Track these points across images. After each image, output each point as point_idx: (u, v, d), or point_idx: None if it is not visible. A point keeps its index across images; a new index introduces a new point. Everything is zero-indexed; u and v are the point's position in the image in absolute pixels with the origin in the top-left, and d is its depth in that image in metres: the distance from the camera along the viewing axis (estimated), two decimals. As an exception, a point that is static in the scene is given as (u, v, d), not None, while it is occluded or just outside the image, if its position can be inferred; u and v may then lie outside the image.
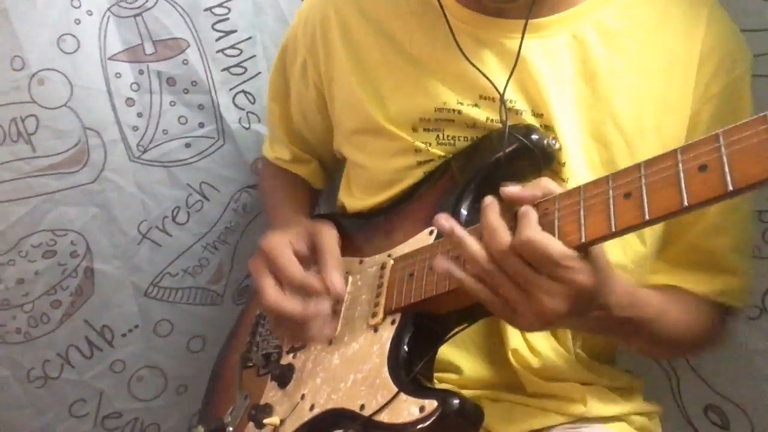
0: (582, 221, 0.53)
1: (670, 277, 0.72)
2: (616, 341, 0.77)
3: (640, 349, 0.80)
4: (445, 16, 0.72)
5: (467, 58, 0.71)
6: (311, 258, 0.74)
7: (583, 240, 0.52)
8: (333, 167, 0.98)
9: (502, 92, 0.69)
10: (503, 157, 0.69)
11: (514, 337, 0.72)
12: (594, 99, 0.70)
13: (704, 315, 0.70)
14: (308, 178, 0.97)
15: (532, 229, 0.53)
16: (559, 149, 0.68)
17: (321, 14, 0.82)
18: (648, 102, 0.69)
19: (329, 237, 0.75)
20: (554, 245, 0.52)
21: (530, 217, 0.54)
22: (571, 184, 0.67)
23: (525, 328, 0.58)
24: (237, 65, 1.03)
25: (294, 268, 0.70)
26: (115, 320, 1.05)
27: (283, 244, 0.72)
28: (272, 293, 0.70)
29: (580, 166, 0.69)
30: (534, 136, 0.68)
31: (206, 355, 1.09)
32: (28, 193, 0.97)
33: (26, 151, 0.95)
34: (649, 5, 0.71)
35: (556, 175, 0.69)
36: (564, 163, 0.69)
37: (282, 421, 0.70)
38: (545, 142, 0.68)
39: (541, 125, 0.70)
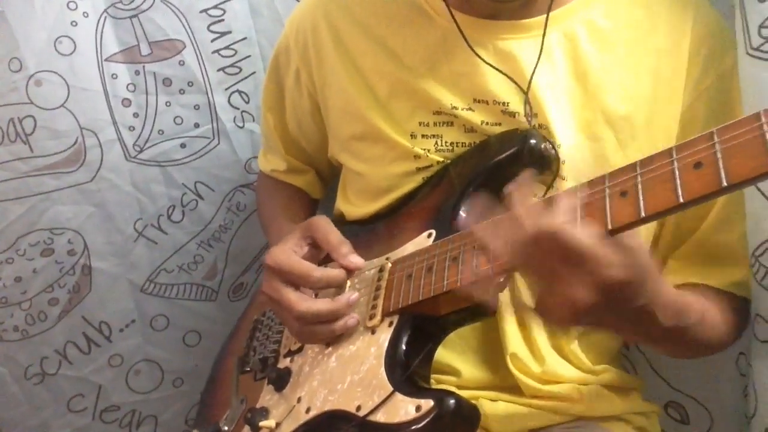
0: (578, 221, 0.53)
1: (683, 274, 0.72)
2: (650, 346, 0.73)
3: (674, 353, 0.76)
4: (456, 22, 0.71)
5: (483, 59, 0.71)
6: (318, 254, 0.73)
7: None
8: (330, 176, 0.97)
9: (526, 89, 0.69)
10: (510, 158, 0.69)
11: (513, 341, 0.72)
12: (585, 97, 0.71)
13: (724, 309, 0.69)
14: (305, 188, 0.96)
15: (554, 217, 0.49)
16: (556, 154, 0.69)
17: (311, 23, 0.82)
18: (638, 98, 0.70)
19: (324, 224, 0.74)
20: (576, 236, 0.48)
21: (559, 205, 0.50)
22: (569, 182, 0.69)
23: (556, 322, 0.53)
24: (232, 65, 1.04)
25: (308, 269, 0.70)
26: (113, 316, 1.07)
27: (287, 253, 0.71)
28: (301, 301, 0.69)
29: (575, 163, 0.70)
30: (532, 141, 0.68)
31: (202, 349, 1.12)
32: (26, 192, 0.98)
33: (24, 151, 0.96)
34: (636, 4, 0.72)
35: (556, 174, 0.70)
36: (563, 162, 0.70)
37: (278, 424, 0.69)
38: (542, 146, 0.68)
39: (536, 125, 0.70)
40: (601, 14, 0.72)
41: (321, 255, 0.74)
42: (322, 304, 0.69)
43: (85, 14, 0.96)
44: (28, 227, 1.00)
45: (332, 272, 0.70)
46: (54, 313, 1.04)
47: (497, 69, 0.71)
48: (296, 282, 0.70)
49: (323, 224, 0.74)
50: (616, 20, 0.71)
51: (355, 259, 0.71)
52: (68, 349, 1.06)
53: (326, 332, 0.69)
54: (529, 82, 0.70)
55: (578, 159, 0.70)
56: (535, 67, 0.70)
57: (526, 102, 0.70)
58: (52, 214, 1.00)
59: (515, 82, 0.70)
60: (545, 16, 0.70)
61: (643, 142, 0.70)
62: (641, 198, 0.49)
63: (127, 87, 1.00)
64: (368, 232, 0.80)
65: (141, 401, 1.12)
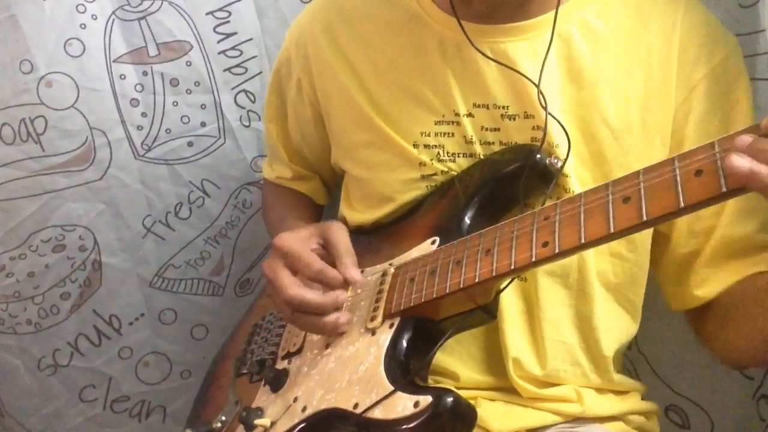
0: (582, 224, 0.55)
1: (718, 276, 0.71)
2: None
3: None
4: (462, 27, 0.71)
5: (491, 58, 0.71)
6: (325, 255, 0.74)
7: (582, 241, 0.55)
8: (333, 183, 0.98)
9: (537, 82, 0.69)
10: (516, 171, 0.70)
11: (515, 344, 0.73)
12: (580, 96, 0.71)
13: None
14: (311, 194, 0.98)
15: None
16: (561, 167, 0.69)
17: (311, 34, 0.83)
18: (632, 96, 0.71)
19: (340, 231, 0.75)
20: None
21: None
22: (569, 181, 0.70)
23: None
24: (238, 65, 1.06)
25: (312, 258, 0.71)
26: (122, 309, 1.10)
27: (297, 240, 0.73)
28: (293, 286, 0.70)
29: (571, 162, 0.70)
30: (537, 156, 0.69)
31: (209, 342, 1.14)
32: (38, 190, 1.01)
33: (35, 150, 0.99)
34: (628, 2, 0.73)
35: (558, 184, 0.70)
36: (568, 176, 0.70)
37: (273, 423, 0.69)
38: (547, 161, 0.69)
39: (533, 127, 0.71)
40: (594, 14, 0.72)
41: (325, 257, 0.74)
42: (311, 295, 0.70)
43: (94, 17, 0.98)
44: (41, 224, 1.03)
45: (333, 272, 0.71)
46: (66, 306, 1.07)
47: (508, 66, 0.70)
48: (297, 267, 0.71)
49: (337, 230, 0.75)
50: (608, 19, 0.72)
51: (354, 273, 0.72)
52: (80, 341, 1.09)
53: (316, 325, 0.70)
54: (540, 75, 0.69)
55: (573, 157, 0.71)
56: (544, 62, 0.69)
57: (539, 94, 0.69)
58: (63, 211, 1.03)
59: (526, 77, 0.70)
60: (545, 16, 0.71)
61: (639, 138, 0.71)
62: (643, 203, 0.52)
63: (135, 87, 1.02)
64: (372, 239, 0.80)
65: (150, 392, 1.15)
